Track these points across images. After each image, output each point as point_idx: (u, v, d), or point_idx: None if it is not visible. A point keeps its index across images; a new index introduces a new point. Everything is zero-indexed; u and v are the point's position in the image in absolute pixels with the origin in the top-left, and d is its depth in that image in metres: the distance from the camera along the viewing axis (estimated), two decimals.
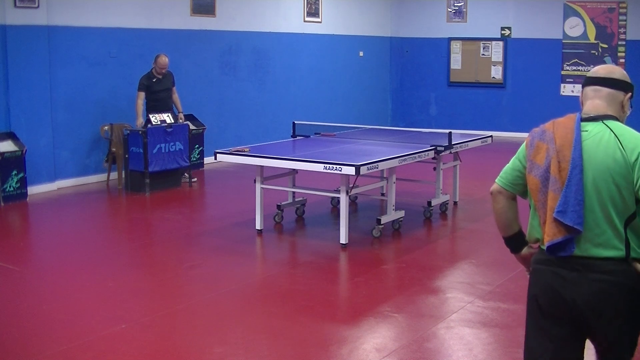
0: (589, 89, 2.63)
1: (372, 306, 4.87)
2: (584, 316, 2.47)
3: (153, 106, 8.83)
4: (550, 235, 2.48)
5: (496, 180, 2.79)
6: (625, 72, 2.67)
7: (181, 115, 9.20)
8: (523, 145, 2.72)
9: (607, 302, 2.43)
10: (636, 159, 2.40)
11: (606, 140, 2.47)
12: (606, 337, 2.51)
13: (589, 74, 2.68)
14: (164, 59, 8.85)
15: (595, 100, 2.59)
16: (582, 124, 2.54)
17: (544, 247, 2.53)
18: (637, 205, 2.45)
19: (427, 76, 14.79)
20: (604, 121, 2.52)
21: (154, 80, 8.87)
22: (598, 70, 2.65)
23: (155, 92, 8.88)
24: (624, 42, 13.25)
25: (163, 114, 8.72)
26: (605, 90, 2.59)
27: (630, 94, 2.61)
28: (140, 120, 8.71)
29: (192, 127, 9.67)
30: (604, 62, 13.36)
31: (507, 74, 14.10)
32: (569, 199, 2.44)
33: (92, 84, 9.10)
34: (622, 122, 2.59)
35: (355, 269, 5.79)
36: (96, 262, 5.92)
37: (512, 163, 2.77)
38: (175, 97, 9.21)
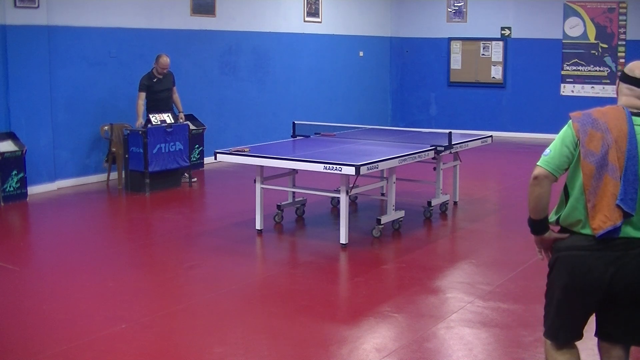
0: (624, 87, 2.84)
1: (372, 306, 4.87)
2: (625, 291, 2.74)
3: (154, 106, 8.83)
4: (612, 219, 2.69)
5: (542, 165, 2.85)
6: None
7: (181, 115, 9.20)
8: (570, 132, 2.82)
9: None
10: None
11: None
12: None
13: (626, 70, 2.85)
14: (165, 59, 8.85)
15: (631, 98, 2.80)
16: (633, 118, 2.74)
17: (591, 232, 2.73)
18: None
19: (427, 76, 14.79)
20: None
21: (154, 80, 8.87)
22: (634, 69, 2.81)
23: (156, 92, 8.88)
24: (624, 42, 13.25)
25: (163, 114, 8.72)
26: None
27: None
28: (141, 121, 8.71)
29: (192, 127, 9.67)
30: (605, 62, 13.36)
31: (507, 74, 14.10)
32: (628, 187, 2.69)
33: (92, 84, 9.10)
34: None
35: (355, 269, 5.79)
36: (96, 262, 5.92)
37: (560, 149, 2.84)
38: (176, 97, 9.22)
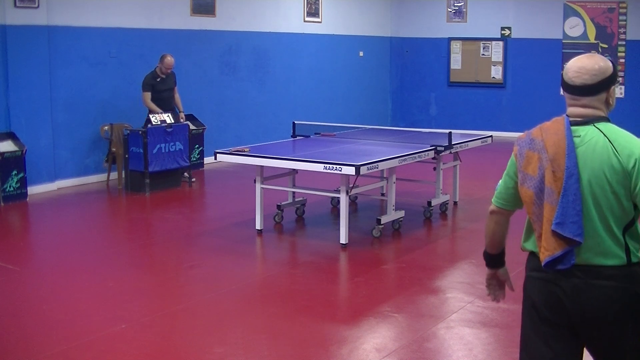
0: (568, 96, 2.49)
1: (372, 306, 4.87)
2: (585, 323, 2.39)
3: (156, 105, 8.89)
4: (549, 249, 2.37)
5: (493, 201, 2.67)
6: (601, 62, 2.43)
7: (182, 115, 9.26)
8: (512, 159, 2.59)
9: (611, 308, 2.34)
10: (633, 166, 2.30)
11: (601, 146, 2.34)
12: (608, 344, 2.41)
13: (564, 77, 2.48)
14: (170, 60, 8.92)
15: (578, 108, 2.46)
16: (573, 128, 2.41)
17: (542, 262, 2.41)
18: (635, 211, 2.37)
19: (427, 76, 14.79)
20: (596, 124, 2.40)
21: (158, 80, 8.94)
22: (572, 77, 2.44)
23: (159, 92, 8.96)
24: (624, 42, 13.25)
25: (163, 114, 8.72)
26: (585, 99, 2.44)
27: (612, 86, 2.45)
28: (159, 110, 8.79)
29: (192, 127, 9.67)
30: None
31: (507, 74, 14.10)
32: (567, 209, 2.33)
33: (92, 84, 9.10)
34: (610, 109, 2.48)
35: (355, 269, 5.79)
36: (96, 262, 5.92)
37: (504, 181, 2.63)
38: (177, 97, 9.29)
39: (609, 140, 2.34)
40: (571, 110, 2.49)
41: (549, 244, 2.37)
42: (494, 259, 2.73)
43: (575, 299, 2.37)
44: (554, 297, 2.42)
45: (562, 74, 2.52)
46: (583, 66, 2.43)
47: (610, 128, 2.39)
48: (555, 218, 2.34)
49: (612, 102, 2.48)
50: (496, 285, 2.80)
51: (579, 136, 2.39)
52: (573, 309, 2.38)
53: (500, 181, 2.66)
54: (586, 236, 2.35)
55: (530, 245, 2.52)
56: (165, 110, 8.87)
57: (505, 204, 2.62)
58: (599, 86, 2.42)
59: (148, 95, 8.85)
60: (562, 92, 2.55)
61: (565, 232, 2.33)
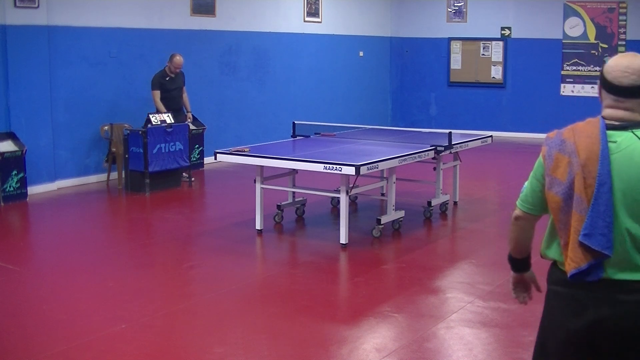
0: (611, 98, 2.26)
1: (372, 306, 4.87)
2: (608, 341, 2.22)
3: (164, 104, 8.99)
4: (575, 261, 2.20)
5: (518, 205, 2.46)
6: None
7: (189, 115, 9.41)
8: (539, 160, 2.37)
9: (636, 323, 2.18)
10: None
11: (638, 155, 2.15)
12: None
13: (607, 76, 2.26)
14: (179, 59, 9.01)
15: (619, 111, 2.24)
16: (609, 133, 2.20)
17: (567, 274, 2.24)
18: None
19: (427, 76, 14.79)
20: (634, 130, 2.19)
21: (167, 79, 9.02)
22: (620, 78, 2.22)
23: (168, 91, 9.04)
24: (624, 42, 13.25)
25: (163, 114, 8.73)
26: (632, 100, 2.22)
27: None
28: (164, 110, 8.87)
29: (192, 127, 9.68)
30: (605, 63, 13.34)
31: (507, 74, 14.10)
32: (597, 220, 2.16)
33: (92, 84, 9.10)
34: None
35: (355, 269, 5.79)
36: (96, 262, 5.92)
37: (530, 183, 2.41)
38: (185, 96, 9.41)
39: None
40: (610, 112, 2.26)
41: (575, 255, 2.21)
42: (520, 263, 2.63)
43: (598, 313, 2.21)
44: (576, 314, 2.25)
45: (601, 73, 2.31)
46: (630, 65, 2.23)
47: None
48: (584, 229, 2.18)
49: None
50: (522, 288, 2.70)
51: (615, 142, 2.19)
52: (596, 324, 2.21)
53: (526, 183, 2.45)
54: (615, 251, 2.18)
55: (553, 253, 2.36)
56: (173, 110, 9.00)
57: (531, 208, 2.42)
58: None
59: (157, 93, 8.93)
60: (599, 92, 2.34)
61: (593, 245, 2.17)
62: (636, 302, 2.19)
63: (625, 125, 2.21)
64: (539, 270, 2.69)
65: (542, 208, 2.40)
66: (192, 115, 9.60)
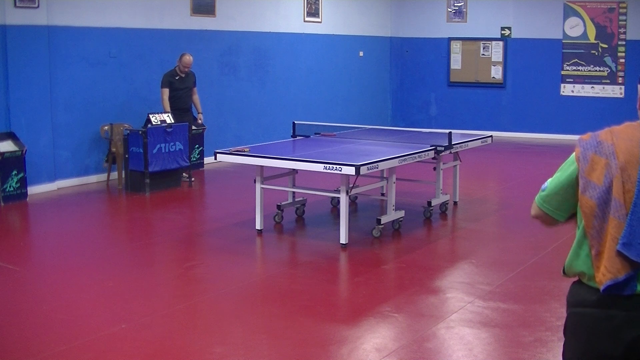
0: None
1: (372, 306, 4.87)
2: None
3: (173, 104, 9.03)
4: (611, 272, 2.04)
5: (538, 203, 2.29)
6: None
7: (200, 116, 9.55)
8: (571, 159, 2.20)
9: None
10: None
11: None
12: None
13: None
14: (188, 58, 9.09)
15: None
16: None
17: (597, 286, 2.09)
18: None
19: (427, 76, 14.79)
20: None
21: (176, 78, 9.10)
22: None
23: (177, 90, 9.11)
24: (624, 42, 13.25)
25: (163, 114, 8.74)
26: None
27: None
28: (168, 110, 8.95)
29: (192, 127, 9.69)
30: (605, 62, 13.37)
31: (507, 74, 14.10)
32: (636, 228, 2.01)
33: (92, 84, 9.10)
34: None
35: (355, 269, 5.79)
36: (96, 262, 5.92)
37: (557, 185, 2.23)
38: (196, 97, 9.47)
39: None
40: None
41: (612, 265, 2.04)
42: None
43: (634, 332, 2.04)
44: (609, 335, 2.07)
45: None
46: None
47: None
48: (622, 237, 2.02)
49: None
50: None
51: None
52: (632, 346, 2.05)
53: (550, 182, 2.27)
54: None
55: (581, 266, 2.17)
56: (181, 109, 9.10)
57: (555, 212, 2.27)
58: None
59: (165, 91, 9.01)
60: (638, 94, 2.24)
61: (631, 255, 2.01)
62: None
63: None
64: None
65: (567, 213, 2.25)
66: (194, 115, 9.63)
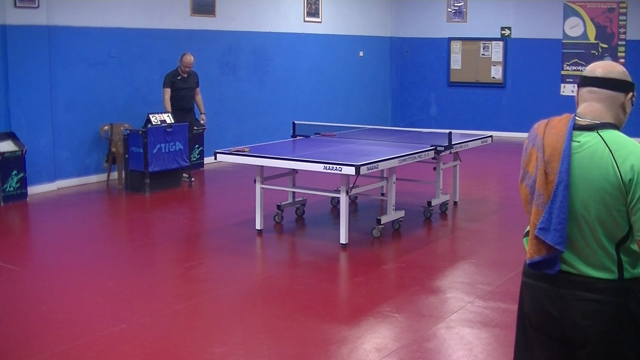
0: (585, 90, 2.36)
1: (372, 306, 4.87)
2: (573, 335, 2.32)
3: (175, 104, 9.05)
4: (530, 252, 2.33)
5: None
6: (625, 69, 2.40)
7: (203, 117, 9.56)
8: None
9: (598, 322, 2.26)
10: (631, 179, 2.17)
11: (599, 156, 2.22)
12: (598, 359, 2.31)
13: (584, 73, 2.39)
14: (189, 58, 9.10)
15: (593, 103, 2.33)
16: (575, 132, 2.29)
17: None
18: (630, 226, 2.23)
19: (427, 76, 14.79)
20: (599, 131, 2.27)
21: (178, 78, 9.12)
22: (595, 69, 2.35)
23: (179, 90, 9.12)
24: (624, 42, 13.25)
25: (163, 114, 8.74)
26: (604, 92, 2.32)
27: (631, 93, 2.34)
28: (169, 110, 8.96)
29: (194, 127, 9.69)
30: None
31: (507, 74, 14.11)
32: (552, 216, 2.25)
33: (92, 84, 9.10)
34: (621, 125, 2.36)
35: (355, 269, 5.79)
36: (96, 262, 5.92)
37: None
38: (199, 97, 9.49)
39: (610, 150, 2.22)
40: (582, 107, 2.35)
41: (531, 246, 2.33)
42: None
43: (563, 310, 2.31)
44: (542, 305, 2.36)
45: (580, 77, 2.41)
46: (607, 64, 2.39)
47: (614, 136, 2.26)
48: (540, 223, 2.28)
49: (628, 111, 2.37)
50: None
51: (579, 142, 2.27)
52: (562, 320, 2.32)
53: None
54: (577, 247, 2.29)
55: (525, 244, 2.46)
56: (183, 109, 9.12)
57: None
58: (620, 83, 2.32)
59: (167, 91, 9.03)
60: (576, 96, 2.43)
61: (547, 239, 2.27)
62: (596, 300, 2.26)
63: (592, 126, 2.29)
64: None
65: None
66: (196, 116, 9.64)
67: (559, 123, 2.34)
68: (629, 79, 2.36)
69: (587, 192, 2.24)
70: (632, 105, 2.40)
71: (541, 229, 2.28)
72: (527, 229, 2.45)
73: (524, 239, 2.47)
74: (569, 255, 2.30)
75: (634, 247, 2.26)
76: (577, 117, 2.34)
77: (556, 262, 2.30)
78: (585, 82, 2.37)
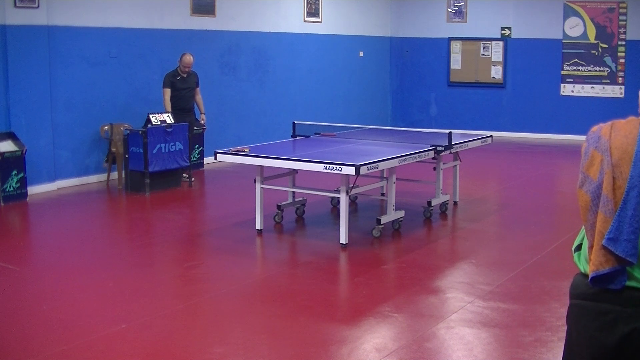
0: None
1: (372, 306, 4.87)
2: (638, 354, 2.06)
3: (174, 104, 9.05)
4: (595, 264, 2.08)
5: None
6: None
7: (203, 117, 9.58)
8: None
9: None
10: None
11: None
12: None
13: None
14: (188, 58, 9.10)
15: None
16: None
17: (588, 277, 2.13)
18: None
19: (427, 76, 14.79)
20: None
21: (178, 78, 9.12)
22: None
23: (179, 90, 9.12)
24: (624, 42, 13.25)
25: (163, 114, 8.74)
26: None
27: None
28: (169, 110, 8.98)
29: (193, 127, 9.69)
30: (605, 62, 13.37)
31: (507, 74, 14.11)
32: (623, 224, 2.04)
33: (92, 84, 9.10)
34: None
35: (355, 269, 5.79)
36: (96, 262, 5.92)
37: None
38: (199, 98, 9.49)
39: None
40: None
41: (597, 257, 2.09)
42: None
43: (627, 328, 2.06)
44: (601, 330, 2.10)
45: None
46: None
47: None
48: (609, 232, 2.06)
49: None
50: None
51: None
52: (622, 341, 2.07)
53: None
54: None
55: (577, 260, 2.24)
56: (182, 109, 9.12)
57: None
58: None
59: (167, 91, 9.04)
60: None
61: (617, 250, 2.05)
62: None
63: None
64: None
65: None
66: (196, 116, 9.64)
67: (627, 125, 2.14)
68: None
69: None
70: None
71: (610, 239, 2.06)
72: (577, 242, 2.26)
73: (575, 254, 2.26)
74: (635, 268, 2.08)
75: None
76: None
77: (623, 275, 2.07)
78: None
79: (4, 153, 7.85)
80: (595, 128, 2.20)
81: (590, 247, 2.14)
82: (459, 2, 14.32)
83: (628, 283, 2.07)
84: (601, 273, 2.07)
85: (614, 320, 2.08)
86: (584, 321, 2.16)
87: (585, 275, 2.17)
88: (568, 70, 13.60)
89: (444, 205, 7.54)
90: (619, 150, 2.08)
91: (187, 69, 9.12)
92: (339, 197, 6.43)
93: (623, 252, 2.04)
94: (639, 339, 2.06)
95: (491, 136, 8.19)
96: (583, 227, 2.22)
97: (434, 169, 7.47)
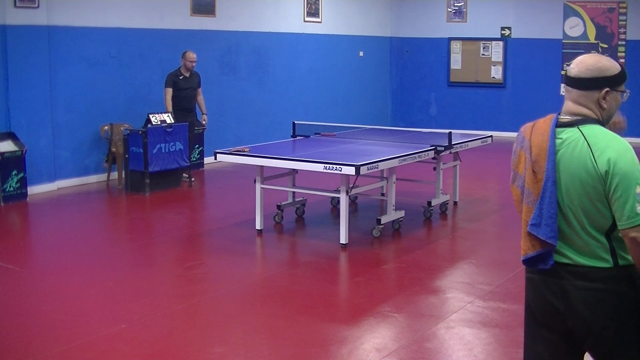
0: (565, 88, 2.46)
1: (372, 306, 4.87)
2: (576, 326, 2.38)
3: (176, 103, 9.05)
4: (524, 248, 2.43)
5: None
6: (606, 62, 2.38)
7: (204, 117, 9.54)
8: None
9: (599, 311, 2.32)
10: (607, 170, 2.24)
11: (579, 150, 2.31)
12: (607, 347, 2.37)
13: (566, 69, 2.46)
14: (192, 54, 9.13)
15: (569, 102, 2.42)
16: (557, 130, 2.38)
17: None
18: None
19: (427, 76, 14.79)
20: (580, 126, 2.35)
21: (180, 78, 9.12)
22: (571, 68, 2.42)
23: (180, 90, 9.12)
24: (624, 42, 13.25)
25: (163, 114, 8.74)
26: (576, 91, 2.40)
27: (606, 89, 2.37)
28: (170, 110, 8.97)
29: (194, 127, 9.69)
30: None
31: (507, 74, 14.11)
32: (543, 212, 2.35)
33: (92, 84, 9.10)
34: (608, 120, 2.43)
35: (355, 269, 5.79)
36: (96, 262, 5.92)
37: None
38: (200, 98, 9.50)
39: (588, 144, 2.30)
40: (565, 105, 2.44)
41: (524, 243, 2.43)
42: None
43: (565, 301, 2.37)
44: (545, 298, 2.44)
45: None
46: (584, 61, 2.41)
47: (593, 130, 2.33)
48: (532, 219, 2.39)
49: (607, 106, 2.40)
50: None
51: (561, 138, 2.37)
52: (565, 312, 2.38)
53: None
54: (569, 240, 2.37)
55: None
56: (184, 109, 9.11)
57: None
58: (590, 82, 2.36)
59: (169, 91, 9.03)
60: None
61: (539, 234, 2.37)
62: (596, 289, 2.33)
63: (572, 122, 2.38)
64: None
65: None
66: (196, 116, 9.64)
67: (544, 124, 2.43)
68: (606, 74, 2.36)
69: (571, 186, 2.34)
70: (623, 99, 2.45)
71: (533, 225, 2.38)
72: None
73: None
74: (564, 247, 2.38)
75: None
76: (560, 115, 2.43)
77: (550, 256, 2.38)
78: (564, 80, 2.48)
79: (4, 153, 7.85)
80: (522, 128, 2.50)
81: (522, 234, 2.46)
82: (459, 2, 14.32)
83: (559, 259, 2.38)
84: (530, 256, 2.41)
85: (552, 290, 2.41)
86: (531, 290, 2.51)
87: None
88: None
89: (444, 205, 7.54)
90: (536, 148, 2.39)
91: (192, 64, 9.10)
92: (339, 197, 6.43)
93: (544, 235, 2.35)
94: (573, 312, 2.36)
95: (491, 136, 8.19)
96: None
97: (434, 169, 7.47)
